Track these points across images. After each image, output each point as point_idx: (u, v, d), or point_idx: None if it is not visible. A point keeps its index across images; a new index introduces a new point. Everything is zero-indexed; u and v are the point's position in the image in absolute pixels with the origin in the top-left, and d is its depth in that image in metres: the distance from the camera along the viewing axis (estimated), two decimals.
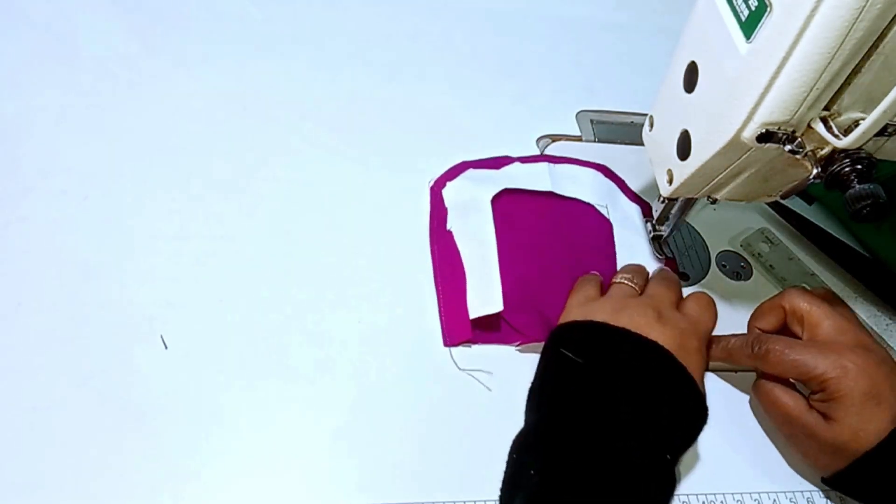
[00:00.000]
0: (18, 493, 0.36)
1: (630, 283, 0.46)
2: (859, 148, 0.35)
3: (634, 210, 0.55)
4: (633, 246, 0.52)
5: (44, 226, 0.46)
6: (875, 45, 0.32)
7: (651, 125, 0.47)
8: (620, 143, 0.60)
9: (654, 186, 0.47)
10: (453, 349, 0.45)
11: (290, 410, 0.41)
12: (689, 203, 0.49)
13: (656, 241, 0.53)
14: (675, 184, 0.43)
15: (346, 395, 0.42)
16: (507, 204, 0.51)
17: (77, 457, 0.38)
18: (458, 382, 0.44)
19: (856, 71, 0.33)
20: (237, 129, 0.54)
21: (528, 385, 0.42)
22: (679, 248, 0.54)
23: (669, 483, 0.38)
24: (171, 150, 0.52)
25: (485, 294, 0.46)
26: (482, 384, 0.44)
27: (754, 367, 0.45)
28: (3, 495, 0.36)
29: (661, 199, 0.49)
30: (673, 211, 0.50)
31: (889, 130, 0.35)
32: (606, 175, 0.56)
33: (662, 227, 0.52)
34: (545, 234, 0.51)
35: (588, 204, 0.53)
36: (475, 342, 0.46)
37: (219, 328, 0.44)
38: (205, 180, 0.51)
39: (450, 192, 0.52)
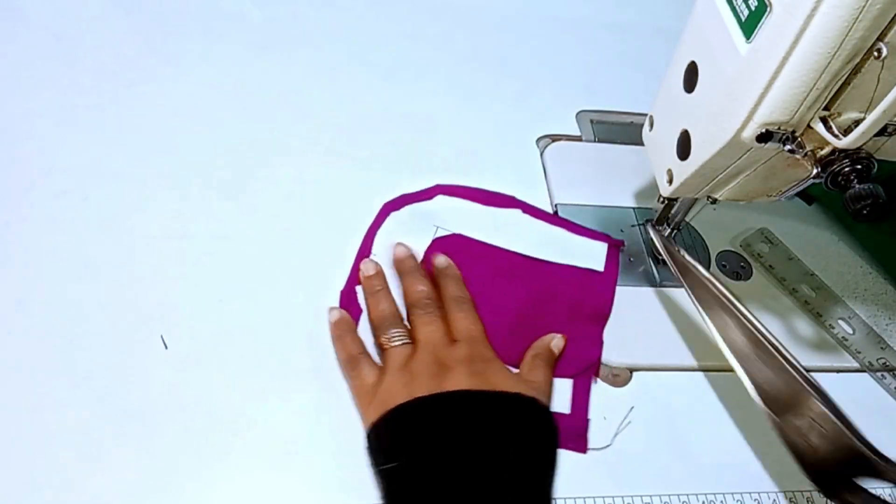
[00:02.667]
0: (18, 493, 0.36)
1: (400, 341, 0.42)
2: (859, 148, 0.35)
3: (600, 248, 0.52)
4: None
5: (44, 226, 0.46)
6: (875, 45, 0.32)
7: (651, 125, 0.47)
8: (620, 143, 0.60)
9: (654, 186, 0.47)
10: None
11: (289, 410, 0.41)
12: (688, 203, 0.49)
13: None
14: (675, 184, 0.43)
15: (346, 394, 0.42)
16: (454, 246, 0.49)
17: (77, 457, 0.38)
18: None
19: (856, 71, 0.33)
20: (237, 129, 0.54)
21: None
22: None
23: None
24: (171, 150, 0.52)
25: None
26: None
27: None
28: (4, 495, 0.36)
29: (661, 199, 0.49)
30: (673, 211, 0.50)
31: (889, 130, 0.35)
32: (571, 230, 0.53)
33: (662, 228, 0.52)
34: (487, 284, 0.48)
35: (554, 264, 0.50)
36: None
37: (219, 328, 0.44)
38: (205, 180, 0.51)
39: (382, 235, 0.50)
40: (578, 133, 0.61)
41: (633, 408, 0.44)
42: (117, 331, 0.42)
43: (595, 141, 0.61)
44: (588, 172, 0.58)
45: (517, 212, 0.53)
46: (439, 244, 0.49)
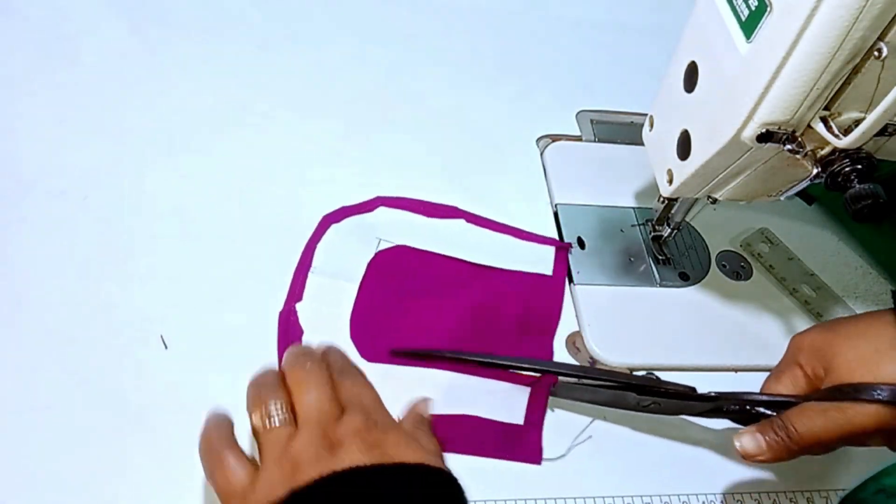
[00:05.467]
0: (18, 493, 0.36)
1: (279, 417, 0.34)
2: (859, 148, 0.35)
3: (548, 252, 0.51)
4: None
5: (44, 226, 0.46)
6: (875, 45, 0.32)
7: (651, 125, 0.47)
8: (620, 143, 0.61)
9: (654, 186, 0.47)
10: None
11: None
12: (688, 203, 0.49)
13: (656, 242, 0.53)
14: (675, 184, 0.43)
15: None
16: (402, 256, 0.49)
17: (77, 457, 0.38)
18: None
19: (856, 71, 0.33)
20: (237, 128, 0.54)
21: None
22: (679, 248, 0.54)
23: None
24: (171, 150, 0.52)
25: None
26: None
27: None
28: (4, 495, 0.36)
29: (661, 199, 0.49)
30: (673, 211, 0.50)
31: (889, 130, 0.35)
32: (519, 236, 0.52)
33: (662, 228, 0.52)
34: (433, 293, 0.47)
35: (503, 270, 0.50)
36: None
37: (219, 328, 0.44)
38: (205, 180, 0.51)
39: (323, 247, 0.48)
40: (578, 133, 0.61)
41: (593, 420, 0.43)
42: (117, 331, 0.42)
43: (595, 141, 0.61)
44: (588, 172, 0.58)
45: (460, 222, 0.51)
46: (383, 256, 0.48)
